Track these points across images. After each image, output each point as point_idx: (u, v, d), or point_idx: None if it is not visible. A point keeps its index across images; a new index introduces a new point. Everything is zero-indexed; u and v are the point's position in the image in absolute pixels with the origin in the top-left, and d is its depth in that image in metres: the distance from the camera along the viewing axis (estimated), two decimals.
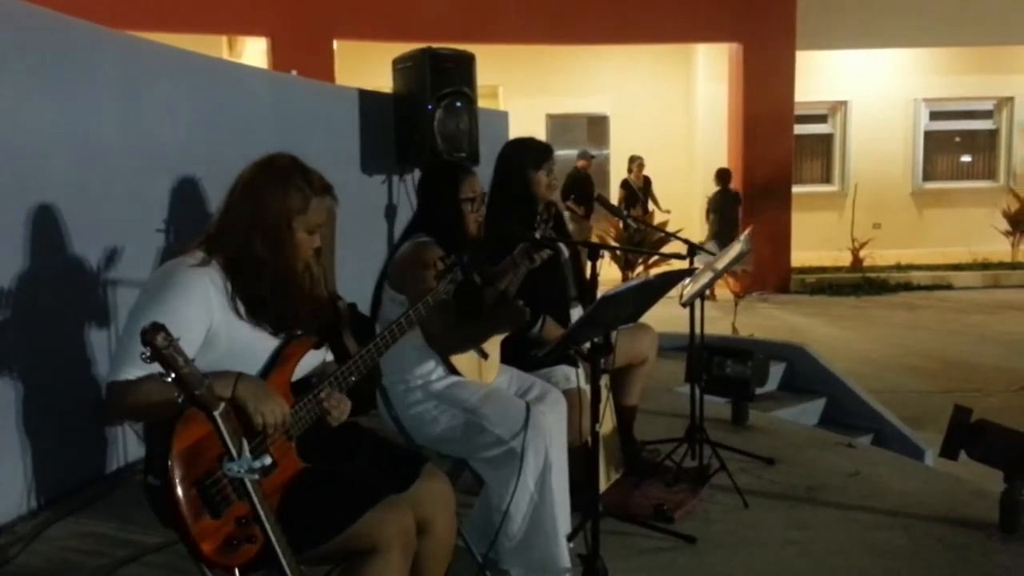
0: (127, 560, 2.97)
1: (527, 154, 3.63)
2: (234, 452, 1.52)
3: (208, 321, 1.95)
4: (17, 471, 3.34)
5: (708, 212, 11.95)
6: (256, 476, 1.54)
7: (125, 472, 3.80)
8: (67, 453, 3.59)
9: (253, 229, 2.02)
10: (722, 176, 11.84)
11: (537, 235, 3.08)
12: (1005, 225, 14.19)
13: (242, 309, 2.01)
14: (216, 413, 1.51)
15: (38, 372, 3.41)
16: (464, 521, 3.01)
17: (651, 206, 12.64)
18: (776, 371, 6.04)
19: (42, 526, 3.26)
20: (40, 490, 3.43)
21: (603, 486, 3.60)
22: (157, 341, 1.44)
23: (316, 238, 2.11)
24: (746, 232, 4.03)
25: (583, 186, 11.74)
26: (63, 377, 3.56)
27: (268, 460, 1.56)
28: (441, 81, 5.41)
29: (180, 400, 1.49)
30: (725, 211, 11.58)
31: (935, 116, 15.65)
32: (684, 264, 3.74)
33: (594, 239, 11.20)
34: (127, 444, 3.87)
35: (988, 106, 15.79)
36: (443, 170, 3.13)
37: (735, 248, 3.83)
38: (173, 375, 1.46)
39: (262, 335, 2.04)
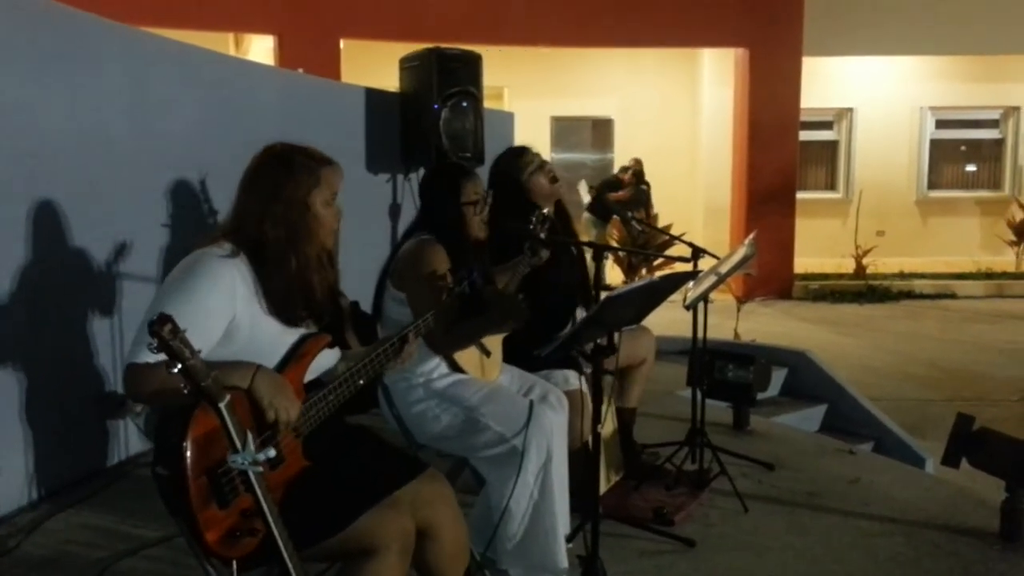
0: (127, 553, 2.97)
1: (514, 161, 3.64)
2: (238, 444, 1.52)
3: (231, 313, 1.95)
4: (18, 462, 3.35)
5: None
6: (259, 469, 1.54)
7: (126, 465, 3.81)
8: (69, 445, 3.60)
9: (271, 219, 2.02)
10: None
11: (542, 235, 3.07)
12: (1010, 235, 14.17)
13: (266, 303, 2.01)
14: (221, 405, 1.51)
15: (41, 364, 3.41)
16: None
17: (653, 210, 12.66)
18: (778, 376, 6.04)
19: (42, 518, 3.27)
20: (41, 482, 3.43)
21: (603, 488, 3.60)
22: (164, 332, 1.44)
23: (337, 208, 2.11)
24: (751, 236, 4.03)
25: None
26: (66, 370, 3.56)
27: (272, 453, 1.56)
28: (448, 81, 5.42)
29: (186, 391, 1.48)
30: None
31: (941, 124, 15.63)
32: (688, 267, 3.76)
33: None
34: (128, 437, 3.87)
35: (995, 115, 15.76)
36: (446, 173, 3.13)
37: (740, 252, 3.83)
38: (179, 366, 1.46)
39: (282, 330, 2.05)
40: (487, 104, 5.89)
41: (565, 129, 15.34)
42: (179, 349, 1.45)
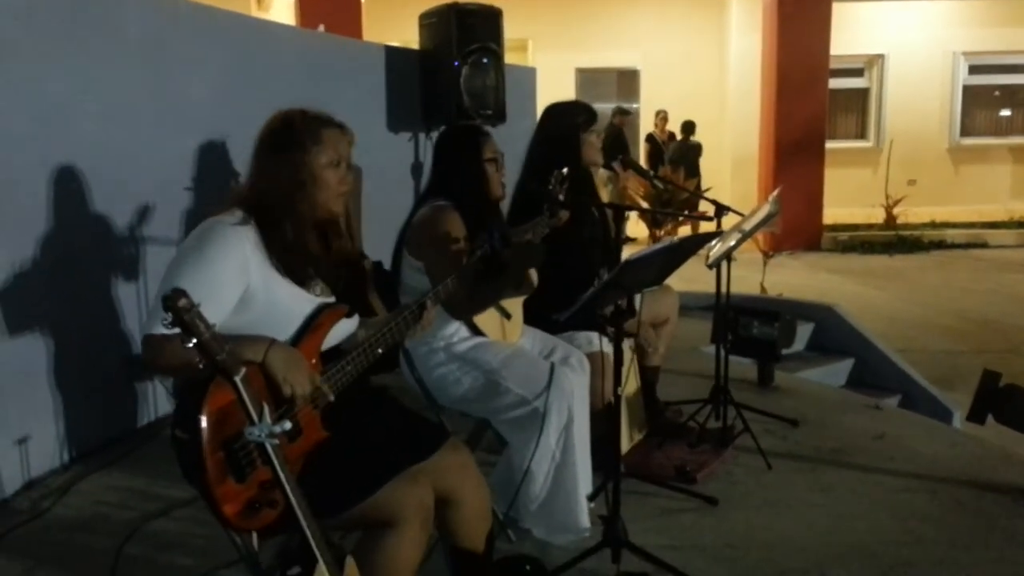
0: (156, 514, 3.04)
1: (574, 117, 3.58)
2: (255, 416, 1.53)
3: (245, 281, 1.94)
4: (49, 426, 3.42)
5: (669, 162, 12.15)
6: (276, 441, 1.55)
7: (155, 427, 3.87)
8: (98, 408, 3.67)
9: (279, 184, 2.02)
10: (687, 128, 12.25)
11: (561, 197, 3.04)
12: None
13: (280, 266, 2.00)
14: (237, 379, 1.52)
15: (69, 328, 3.46)
16: (487, 481, 3.04)
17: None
18: (804, 331, 6.00)
19: (73, 480, 3.34)
20: (72, 444, 3.51)
21: (625, 447, 3.62)
22: (178, 307, 1.45)
23: (343, 172, 2.10)
24: (774, 193, 3.97)
25: (618, 144, 11.68)
26: (93, 333, 3.62)
27: (288, 425, 1.57)
28: (467, 37, 5.35)
29: (200, 365, 1.49)
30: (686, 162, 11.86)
31: (974, 70, 15.26)
32: (712, 224, 3.72)
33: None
34: (157, 399, 3.94)
35: None
36: (465, 133, 3.10)
37: (764, 209, 3.78)
38: (194, 340, 1.47)
39: (300, 294, 2.04)
40: (511, 57, 5.81)
41: (590, 81, 15.15)
42: (193, 323, 1.45)
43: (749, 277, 8.04)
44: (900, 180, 13.83)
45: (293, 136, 2.05)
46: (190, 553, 2.78)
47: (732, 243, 3.63)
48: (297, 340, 2.01)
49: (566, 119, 3.56)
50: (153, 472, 3.38)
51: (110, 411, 3.76)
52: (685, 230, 10.63)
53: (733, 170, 13.87)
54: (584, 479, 2.95)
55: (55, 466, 3.43)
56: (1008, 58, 15.23)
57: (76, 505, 3.18)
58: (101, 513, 3.13)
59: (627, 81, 15.35)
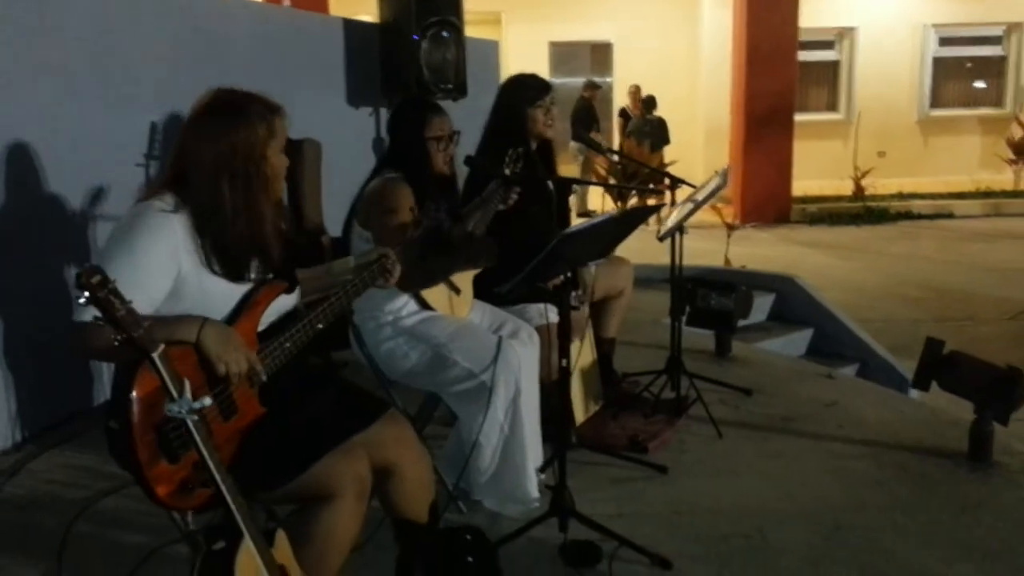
0: (108, 492, 3.04)
1: (522, 91, 3.56)
2: (174, 393, 1.55)
3: (176, 268, 1.90)
4: (1, 405, 3.41)
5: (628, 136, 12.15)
6: (196, 417, 1.56)
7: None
8: (51, 387, 3.66)
9: (222, 173, 1.93)
10: (647, 103, 12.23)
11: (506, 172, 3.05)
12: (1009, 154, 14.02)
13: (213, 261, 1.95)
14: (155, 355, 1.53)
15: (20, 309, 3.45)
16: (438, 453, 3.08)
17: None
18: (766, 302, 6.07)
19: (25, 459, 3.34)
20: (23, 424, 3.50)
21: (581, 418, 3.66)
22: (92, 284, 1.45)
23: (284, 158, 2.06)
24: (723, 168, 4.00)
25: (588, 117, 11.68)
26: (45, 312, 3.59)
27: (208, 401, 1.58)
28: (427, 9, 5.31)
29: (116, 343, 1.50)
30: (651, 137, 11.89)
31: (944, 42, 15.34)
32: (663, 198, 3.75)
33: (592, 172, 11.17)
34: (112, 378, 3.92)
35: (998, 32, 15.45)
36: (411, 108, 3.10)
37: (712, 182, 3.81)
38: (109, 319, 1.47)
39: (233, 285, 2.00)
40: (483, 30, 5.80)
41: (563, 54, 15.13)
42: (108, 300, 1.46)
43: (717, 250, 8.12)
44: (870, 152, 13.92)
45: (239, 121, 1.95)
46: (140, 530, 2.78)
47: (682, 216, 3.65)
48: (233, 319, 1.98)
49: (515, 93, 3.55)
50: (105, 451, 3.37)
51: (62, 390, 3.75)
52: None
53: (705, 142, 13.92)
54: (533, 451, 2.98)
55: (6, 446, 3.43)
56: (977, 30, 15.33)
57: (27, 484, 3.18)
58: (52, 492, 3.14)
59: (600, 55, 15.33)
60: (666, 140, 11.98)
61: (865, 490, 3.18)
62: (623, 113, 13.04)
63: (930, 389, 3.57)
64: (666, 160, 11.56)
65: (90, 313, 1.61)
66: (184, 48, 4.30)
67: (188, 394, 1.55)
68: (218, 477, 1.61)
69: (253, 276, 2.05)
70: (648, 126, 11.98)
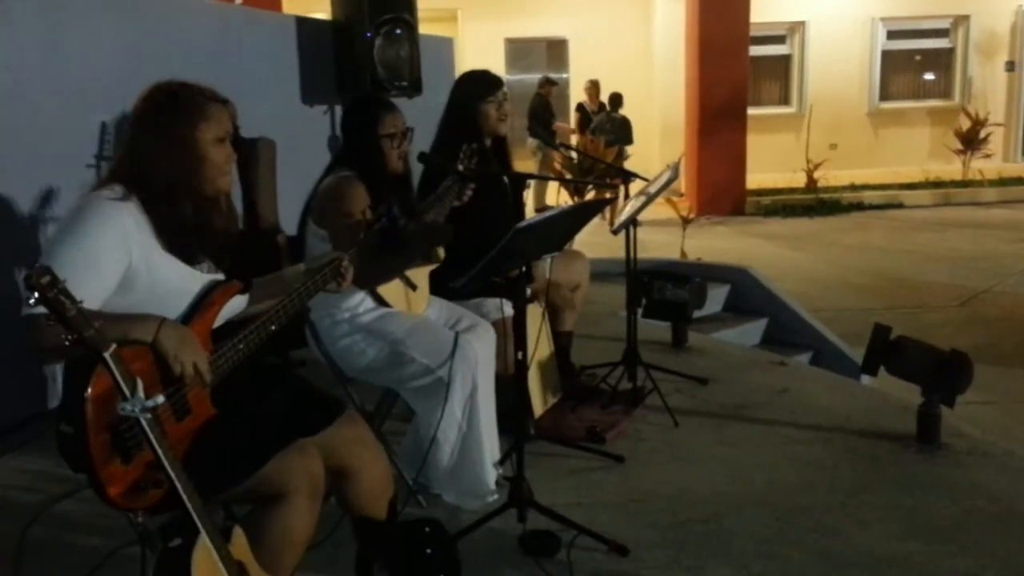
0: (63, 496, 3.01)
1: (474, 87, 3.58)
2: (127, 392, 1.55)
3: (126, 258, 1.89)
4: None
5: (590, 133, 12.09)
6: (149, 416, 1.57)
7: None
8: (4, 391, 3.61)
9: (163, 159, 1.96)
10: (613, 101, 12.15)
11: (460, 168, 3.08)
12: (957, 144, 14.33)
13: (166, 244, 1.96)
14: (107, 354, 1.53)
15: None
16: (396, 449, 3.09)
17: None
18: (721, 293, 6.16)
19: None
20: None
21: (540, 411, 3.69)
22: (41, 284, 1.44)
23: (229, 149, 2.06)
24: (676, 161, 4.06)
25: (545, 113, 11.72)
26: None
27: (160, 399, 1.59)
28: (380, 7, 5.31)
29: (67, 343, 1.50)
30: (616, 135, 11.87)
31: (892, 35, 15.63)
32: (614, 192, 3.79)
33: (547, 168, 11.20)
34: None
35: (945, 24, 15.78)
36: (364, 105, 3.11)
37: (664, 176, 3.86)
38: (60, 319, 1.47)
39: (187, 272, 2.00)
40: (440, 27, 5.81)
41: (520, 50, 15.17)
42: (57, 300, 1.45)
43: (673, 243, 8.22)
44: (822, 144, 14.16)
45: (179, 111, 1.98)
46: (97, 533, 2.76)
47: (633, 209, 3.70)
48: (188, 319, 1.98)
49: (467, 89, 3.58)
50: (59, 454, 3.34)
51: (16, 393, 3.70)
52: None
53: (662, 138, 14.04)
54: (490, 445, 3.01)
55: None
56: (925, 23, 15.63)
57: None
58: (7, 496, 3.10)
59: (556, 51, 15.39)
60: (629, 140, 11.98)
61: (817, 474, 3.25)
62: (580, 108, 13.11)
63: (878, 374, 3.66)
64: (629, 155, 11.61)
65: (40, 308, 1.61)
66: (135, 47, 4.26)
67: (141, 393, 1.56)
68: (173, 474, 1.61)
69: (205, 267, 2.06)
70: (611, 124, 12.01)
